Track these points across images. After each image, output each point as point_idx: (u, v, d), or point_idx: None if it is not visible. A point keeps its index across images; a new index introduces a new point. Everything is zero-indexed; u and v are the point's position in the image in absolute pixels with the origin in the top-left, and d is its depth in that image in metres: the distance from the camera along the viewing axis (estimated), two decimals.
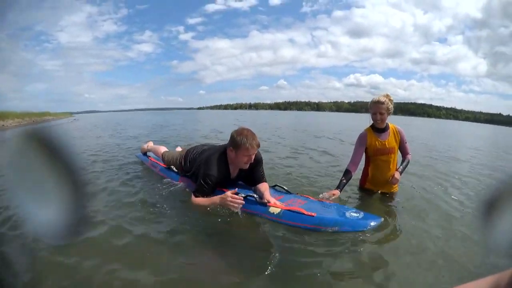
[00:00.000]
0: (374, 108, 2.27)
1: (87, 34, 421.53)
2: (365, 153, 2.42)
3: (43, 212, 0.38)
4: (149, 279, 1.39)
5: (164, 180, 2.86)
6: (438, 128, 23.01)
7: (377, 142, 2.33)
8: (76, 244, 1.53)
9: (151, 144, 3.81)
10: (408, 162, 2.43)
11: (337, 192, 2.26)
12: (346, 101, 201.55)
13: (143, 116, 33.95)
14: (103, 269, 1.43)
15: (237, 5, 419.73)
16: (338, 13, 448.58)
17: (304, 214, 1.89)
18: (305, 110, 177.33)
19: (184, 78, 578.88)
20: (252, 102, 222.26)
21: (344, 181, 2.34)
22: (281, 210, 1.97)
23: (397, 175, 2.33)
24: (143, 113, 76.28)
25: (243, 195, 2.04)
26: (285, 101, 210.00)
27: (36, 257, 1.49)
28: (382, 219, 1.90)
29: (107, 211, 2.19)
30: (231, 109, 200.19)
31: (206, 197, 2.10)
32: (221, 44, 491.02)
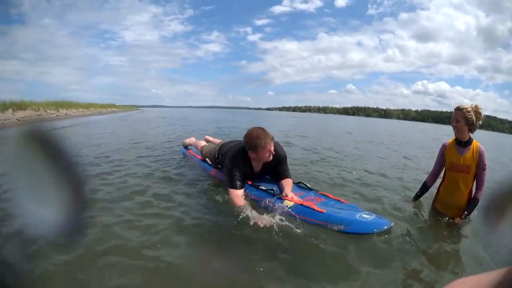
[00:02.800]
0: (453, 113, 2.12)
1: (153, 33, 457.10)
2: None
3: (43, 212, 0.39)
4: (155, 276, 1.39)
5: (198, 170, 3.36)
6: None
7: (454, 155, 2.16)
8: (76, 242, 1.35)
9: (193, 139, 4.14)
10: (476, 204, 2.07)
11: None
12: (413, 109, 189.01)
13: (208, 113, 35.51)
14: (105, 267, 1.42)
15: (303, 6, 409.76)
16: (404, 16, 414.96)
17: (314, 209, 1.98)
18: (373, 117, 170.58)
19: (253, 78, 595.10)
20: (321, 105, 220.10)
21: (419, 193, 2.38)
22: (294, 204, 2.08)
23: (458, 221, 2.10)
24: (210, 110, 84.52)
25: (264, 188, 2.31)
26: (353, 106, 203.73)
27: (37, 257, 1.44)
28: (392, 224, 1.90)
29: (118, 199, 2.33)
30: (300, 111, 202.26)
31: (239, 189, 2.24)
32: (290, 46, 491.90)
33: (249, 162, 2.34)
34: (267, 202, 2.17)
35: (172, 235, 1.77)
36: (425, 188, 2.36)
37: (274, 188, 2.27)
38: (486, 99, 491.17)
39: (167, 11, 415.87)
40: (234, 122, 16.72)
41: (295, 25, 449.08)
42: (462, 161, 2.10)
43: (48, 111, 15.10)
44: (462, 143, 2.11)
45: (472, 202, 2.09)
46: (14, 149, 0.38)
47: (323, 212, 1.94)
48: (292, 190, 2.26)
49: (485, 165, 2.05)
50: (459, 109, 2.07)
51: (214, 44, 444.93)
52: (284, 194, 2.16)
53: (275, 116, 36.22)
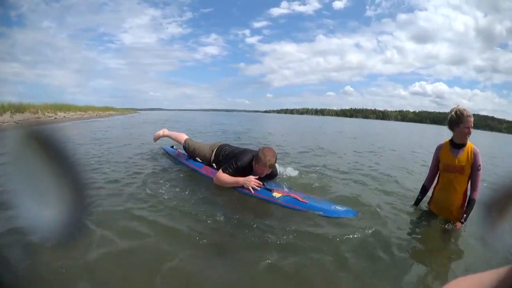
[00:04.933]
0: (467, 122, 2.11)
1: (152, 36, 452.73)
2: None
3: (42, 212, 0.40)
4: (155, 275, 1.42)
5: (186, 169, 3.45)
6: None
7: (448, 157, 2.20)
8: (76, 243, 1.39)
9: (166, 131, 4.07)
10: (473, 205, 2.11)
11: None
12: (411, 110, 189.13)
13: (206, 116, 35.43)
14: (103, 267, 1.45)
15: (301, 9, 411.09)
16: (402, 17, 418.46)
17: (298, 200, 2.44)
18: (371, 118, 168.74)
19: (251, 81, 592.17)
20: (319, 107, 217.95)
21: (420, 197, 2.42)
22: (281, 195, 2.54)
23: (458, 226, 2.12)
24: (209, 113, 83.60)
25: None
26: (351, 108, 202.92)
27: (36, 257, 1.45)
28: (358, 213, 2.31)
29: (118, 201, 2.40)
30: (298, 113, 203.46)
31: (231, 175, 2.75)
32: (288, 48, 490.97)
33: (250, 170, 2.79)
34: (258, 195, 2.62)
35: (167, 237, 1.82)
36: (424, 190, 2.40)
37: (264, 184, 2.72)
38: (485, 99, 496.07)
39: (166, 13, 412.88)
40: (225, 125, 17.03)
41: (294, 27, 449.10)
42: (456, 162, 2.14)
43: (46, 113, 15.16)
44: (457, 145, 2.16)
45: (469, 204, 2.11)
46: (14, 150, 0.38)
47: (306, 202, 2.39)
48: (272, 187, 2.70)
49: (480, 165, 2.09)
50: (472, 117, 2.10)
51: (212, 46, 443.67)
52: (271, 188, 2.67)
53: (269, 118, 36.24)
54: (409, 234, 2.10)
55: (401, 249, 1.85)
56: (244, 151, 2.93)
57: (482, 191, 2.14)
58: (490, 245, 1.83)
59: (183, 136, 3.62)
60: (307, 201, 2.37)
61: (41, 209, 0.39)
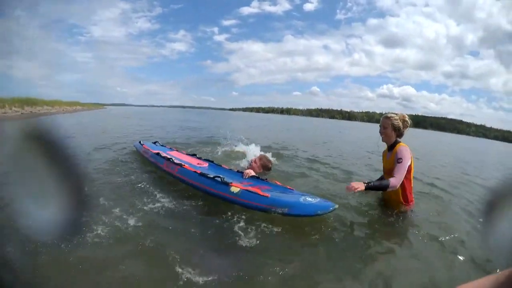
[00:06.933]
0: (380, 121, 2.28)
1: (120, 30, 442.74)
2: None
3: (42, 210, 0.39)
4: (148, 271, 1.48)
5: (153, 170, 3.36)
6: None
7: (383, 160, 2.37)
8: (75, 243, 1.56)
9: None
10: (384, 184, 2.11)
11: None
12: (378, 112, 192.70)
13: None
14: (103, 266, 1.46)
15: (272, 9, 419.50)
16: (372, 22, 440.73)
17: (259, 194, 2.14)
18: (337, 119, 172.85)
19: (217, 79, 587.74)
20: (285, 107, 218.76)
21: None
22: (240, 190, 2.25)
23: (354, 183, 2.05)
24: (175, 110, 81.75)
25: (211, 175, 2.52)
26: (317, 108, 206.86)
27: (36, 256, 1.46)
28: (336, 206, 2.00)
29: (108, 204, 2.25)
30: (263, 112, 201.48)
31: None
32: (256, 47, 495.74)
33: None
34: (214, 191, 2.37)
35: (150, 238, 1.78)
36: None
37: (221, 176, 2.48)
38: (452, 103, 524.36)
39: (136, 7, 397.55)
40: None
41: (262, 26, 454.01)
42: (387, 165, 2.29)
43: (13, 108, 15.13)
44: (389, 147, 2.30)
45: (380, 182, 2.16)
46: (12, 145, 0.37)
47: (267, 197, 2.09)
48: (241, 181, 2.60)
49: (400, 158, 2.11)
50: (386, 118, 2.25)
51: (180, 43, 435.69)
52: (228, 181, 2.40)
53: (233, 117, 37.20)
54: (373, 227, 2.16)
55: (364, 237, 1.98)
56: None
57: (488, 185, 2.28)
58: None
59: None
60: (269, 195, 2.11)
61: (40, 207, 0.38)
